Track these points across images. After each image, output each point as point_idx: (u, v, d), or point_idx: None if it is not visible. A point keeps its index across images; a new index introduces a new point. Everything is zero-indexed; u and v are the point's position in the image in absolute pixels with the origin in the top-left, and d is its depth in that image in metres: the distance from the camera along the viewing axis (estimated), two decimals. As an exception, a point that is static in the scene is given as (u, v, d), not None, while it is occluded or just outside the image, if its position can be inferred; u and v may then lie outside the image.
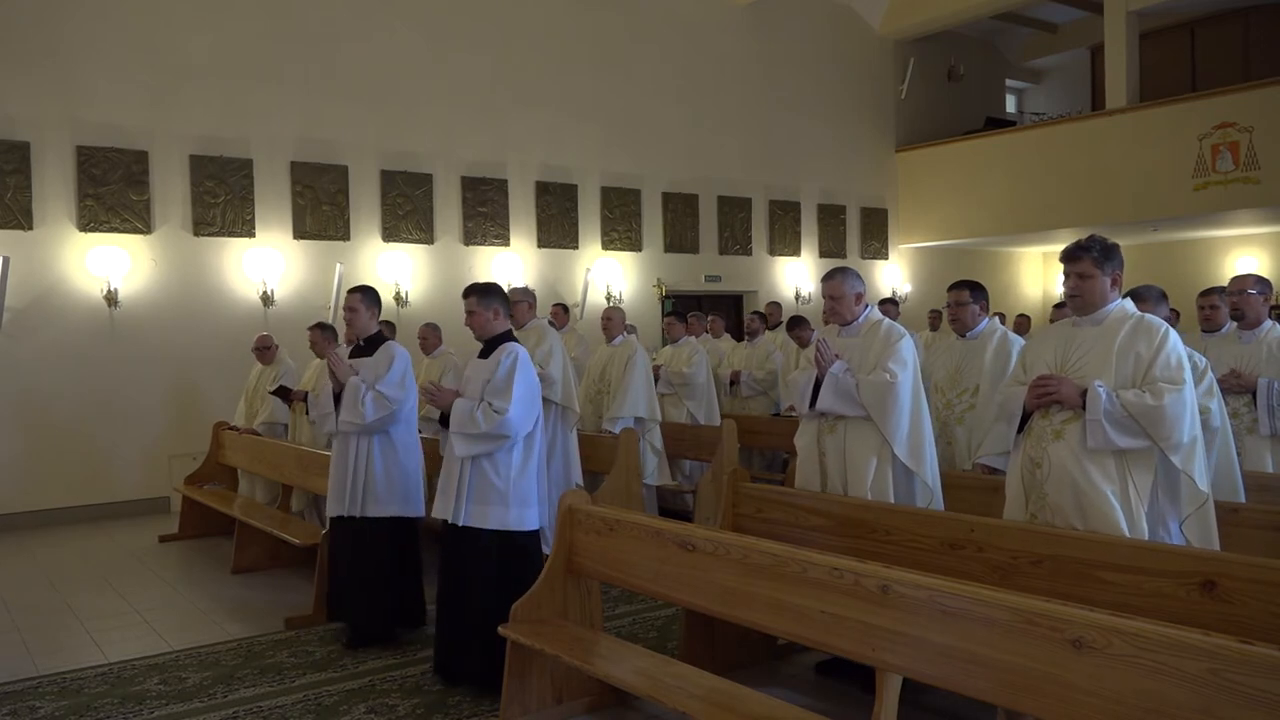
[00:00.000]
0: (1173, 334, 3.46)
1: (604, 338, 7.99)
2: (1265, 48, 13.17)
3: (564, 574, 4.12)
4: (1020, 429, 3.65)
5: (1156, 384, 3.35)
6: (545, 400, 6.49)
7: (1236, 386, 5.07)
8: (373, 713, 4.19)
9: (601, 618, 4.25)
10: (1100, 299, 3.57)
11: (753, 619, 3.38)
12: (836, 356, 4.37)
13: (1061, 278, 3.73)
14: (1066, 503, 3.45)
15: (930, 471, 4.28)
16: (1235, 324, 5.31)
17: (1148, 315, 3.56)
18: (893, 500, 4.23)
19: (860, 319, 4.49)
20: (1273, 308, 5.36)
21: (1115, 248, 3.60)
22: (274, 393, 7.37)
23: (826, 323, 5.88)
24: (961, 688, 2.70)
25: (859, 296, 4.49)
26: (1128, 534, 3.32)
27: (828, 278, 4.54)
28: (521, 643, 3.88)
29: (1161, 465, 3.40)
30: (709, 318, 10.21)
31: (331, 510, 5.14)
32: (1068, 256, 3.62)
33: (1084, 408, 3.40)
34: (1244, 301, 5.20)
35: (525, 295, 6.78)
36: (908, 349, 4.32)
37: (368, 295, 5.21)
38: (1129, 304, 3.60)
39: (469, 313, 4.57)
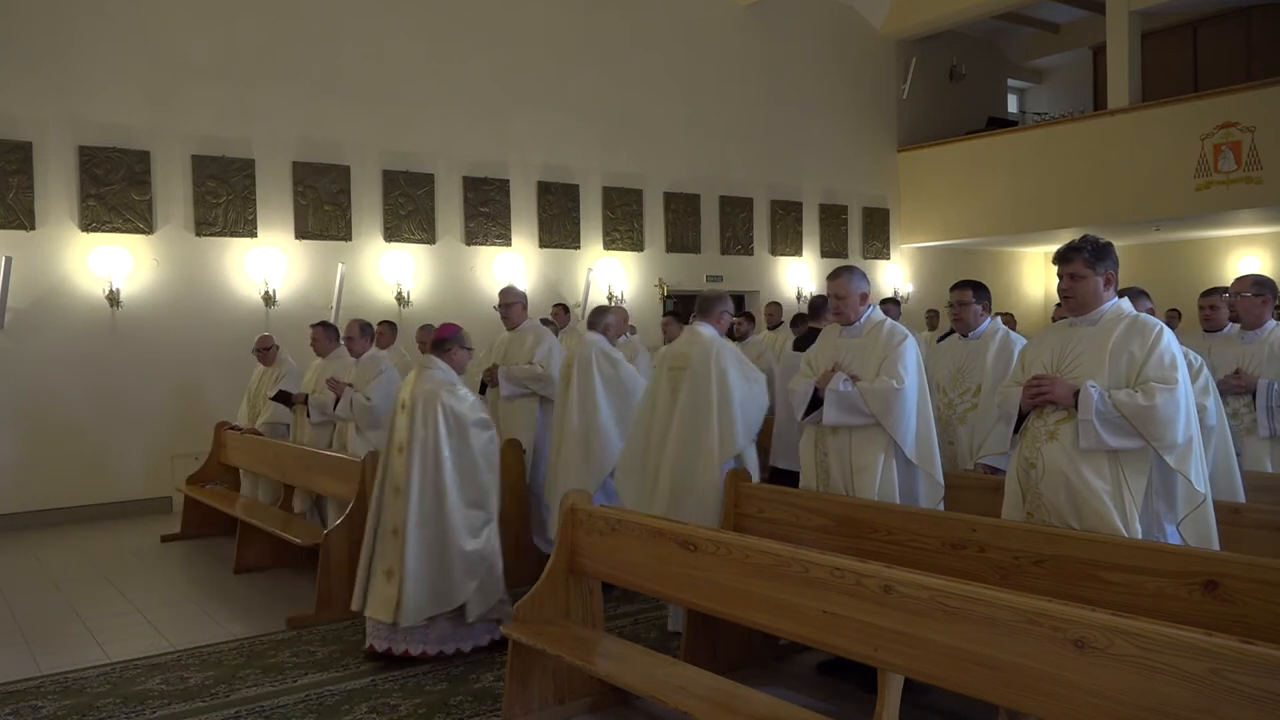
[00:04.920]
0: (1167, 333, 3.44)
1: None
2: (1267, 47, 13.17)
3: (566, 574, 4.12)
4: (1017, 429, 3.65)
5: (1149, 384, 3.33)
6: (544, 399, 6.51)
7: (1237, 387, 5.06)
8: (374, 712, 4.19)
9: (603, 617, 4.25)
10: (1094, 299, 3.56)
11: (754, 619, 3.39)
12: (835, 368, 4.36)
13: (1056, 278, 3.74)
14: (1061, 503, 3.45)
15: (938, 466, 4.31)
16: (1237, 325, 5.30)
17: (1143, 315, 3.55)
18: (899, 496, 4.23)
19: (863, 319, 4.48)
20: (1277, 307, 5.31)
21: (1108, 247, 3.60)
22: (274, 398, 7.37)
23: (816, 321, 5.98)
24: (963, 688, 2.70)
25: (864, 296, 4.50)
26: (1123, 533, 3.32)
27: (833, 276, 4.53)
28: (523, 643, 3.88)
29: (1157, 466, 3.39)
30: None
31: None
32: (1060, 257, 3.62)
33: (1077, 407, 3.40)
34: (1239, 304, 5.18)
35: (518, 297, 6.77)
36: (910, 351, 4.31)
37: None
38: (1125, 303, 3.59)
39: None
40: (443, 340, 4.98)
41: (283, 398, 7.28)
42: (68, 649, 5.16)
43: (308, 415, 7.09)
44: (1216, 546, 3.34)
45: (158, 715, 4.23)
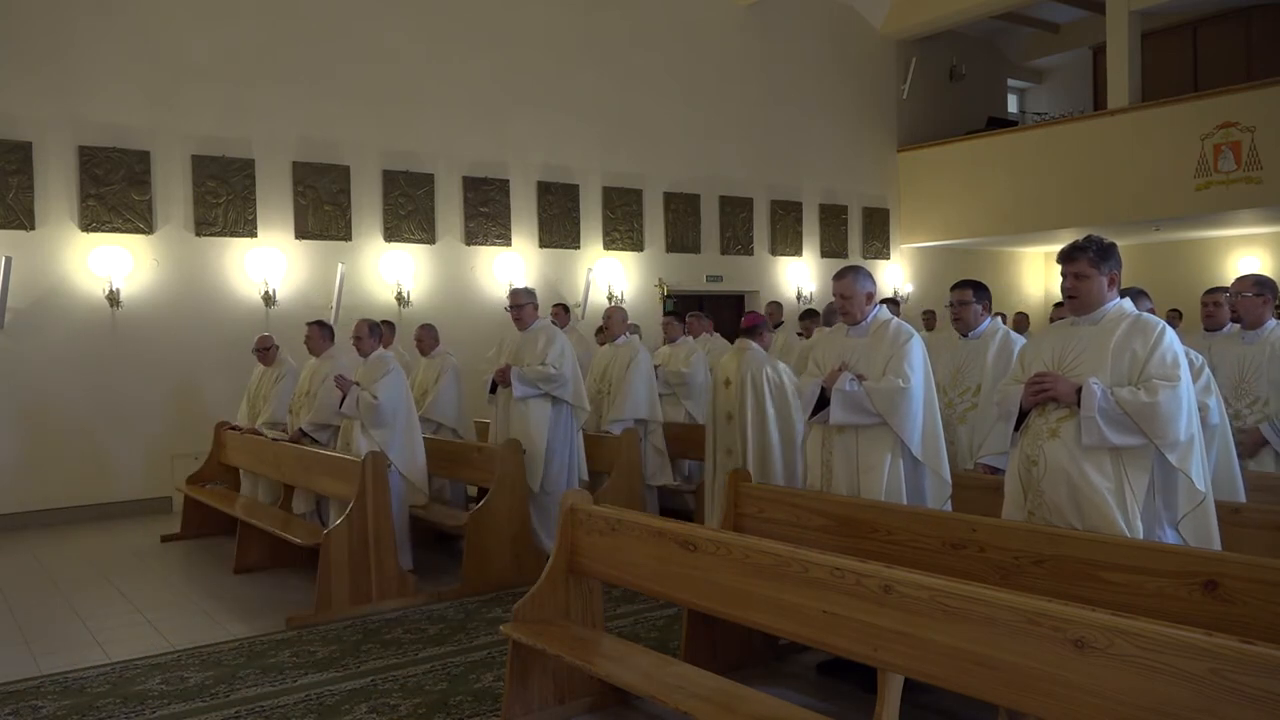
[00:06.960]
0: (1169, 332, 3.45)
1: (603, 338, 7.96)
2: (1267, 47, 13.17)
3: (566, 574, 4.12)
4: (1018, 427, 3.65)
5: (1151, 381, 3.34)
6: (556, 399, 6.51)
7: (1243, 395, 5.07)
8: (374, 712, 4.19)
9: (603, 617, 4.25)
10: (1097, 299, 3.56)
11: (754, 619, 3.38)
12: (842, 367, 4.36)
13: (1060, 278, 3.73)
14: (1063, 501, 3.44)
15: (945, 465, 4.31)
16: (1237, 324, 5.29)
17: (1144, 314, 3.55)
18: (905, 496, 4.23)
19: (868, 318, 4.48)
20: (1277, 307, 5.30)
21: (1112, 247, 3.60)
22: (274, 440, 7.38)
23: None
24: (963, 688, 2.70)
25: (869, 296, 4.49)
26: (1125, 531, 3.32)
27: (839, 276, 4.52)
28: (523, 642, 3.88)
29: (1158, 464, 3.39)
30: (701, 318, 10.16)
31: None
32: (1064, 257, 3.62)
33: (1079, 405, 3.40)
34: (1239, 304, 5.17)
35: (530, 297, 6.75)
36: (917, 350, 4.31)
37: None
38: (1127, 303, 3.59)
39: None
40: (753, 327, 6.12)
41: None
42: (68, 649, 5.16)
43: (314, 440, 7.00)
44: (1217, 545, 3.34)
45: (158, 715, 4.23)
